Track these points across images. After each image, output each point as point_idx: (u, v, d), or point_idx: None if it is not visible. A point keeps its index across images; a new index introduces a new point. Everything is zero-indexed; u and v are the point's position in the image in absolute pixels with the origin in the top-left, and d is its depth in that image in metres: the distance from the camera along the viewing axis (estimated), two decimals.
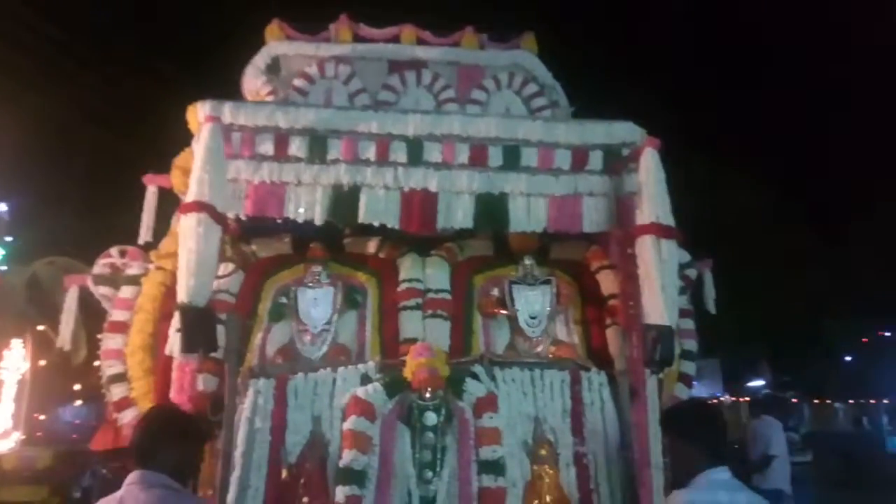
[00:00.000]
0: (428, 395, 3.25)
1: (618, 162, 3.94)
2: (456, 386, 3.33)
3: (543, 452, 3.31)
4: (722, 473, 2.48)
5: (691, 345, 4.44)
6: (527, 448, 3.34)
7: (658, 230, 3.57)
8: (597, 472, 3.35)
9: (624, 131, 3.94)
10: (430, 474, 3.17)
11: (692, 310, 4.64)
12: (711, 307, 4.81)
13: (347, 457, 3.10)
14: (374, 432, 3.21)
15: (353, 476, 3.07)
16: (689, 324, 4.49)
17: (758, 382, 21.86)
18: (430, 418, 3.20)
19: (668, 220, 3.64)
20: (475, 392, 3.33)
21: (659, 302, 3.45)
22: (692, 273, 4.71)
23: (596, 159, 3.94)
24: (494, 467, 3.17)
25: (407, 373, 3.29)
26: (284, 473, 3.15)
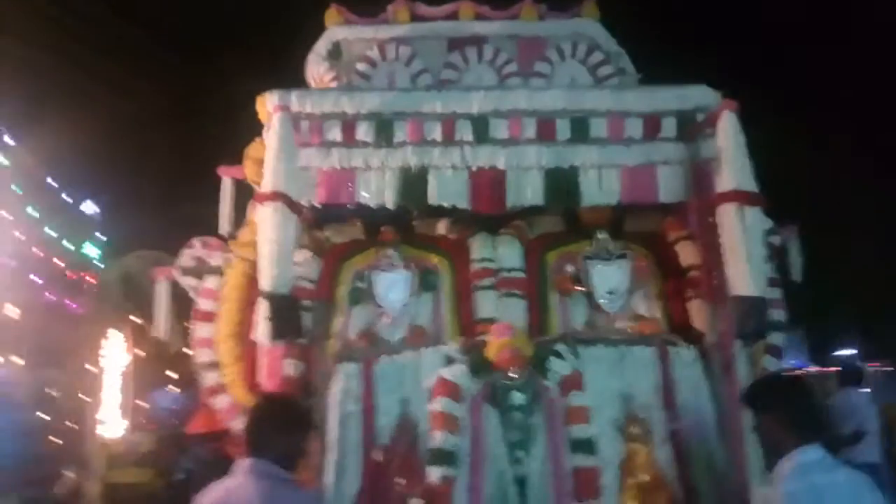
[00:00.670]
0: (513, 374, 3.24)
1: (693, 128, 3.79)
2: (540, 365, 3.31)
3: (635, 430, 3.26)
4: (814, 452, 2.30)
5: (779, 315, 4.24)
6: (618, 426, 3.30)
7: (741, 197, 3.42)
8: (692, 449, 3.26)
9: (698, 95, 3.78)
10: (521, 454, 3.18)
11: (778, 279, 4.43)
12: (798, 275, 4.58)
13: (438, 438, 3.14)
14: (461, 413, 3.23)
15: (445, 457, 3.11)
16: (775, 293, 4.28)
17: (846, 352, 20.76)
18: (517, 398, 3.20)
19: (751, 185, 3.47)
20: (560, 371, 3.31)
21: (745, 272, 3.31)
22: (776, 240, 4.48)
23: (669, 126, 3.80)
24: (586, 446, 3.15)
25: (490, 353, 3.29)
26: (379, 455, 3.22)
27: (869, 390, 6.89)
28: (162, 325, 4.76)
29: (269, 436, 2.53)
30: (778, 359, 4.37)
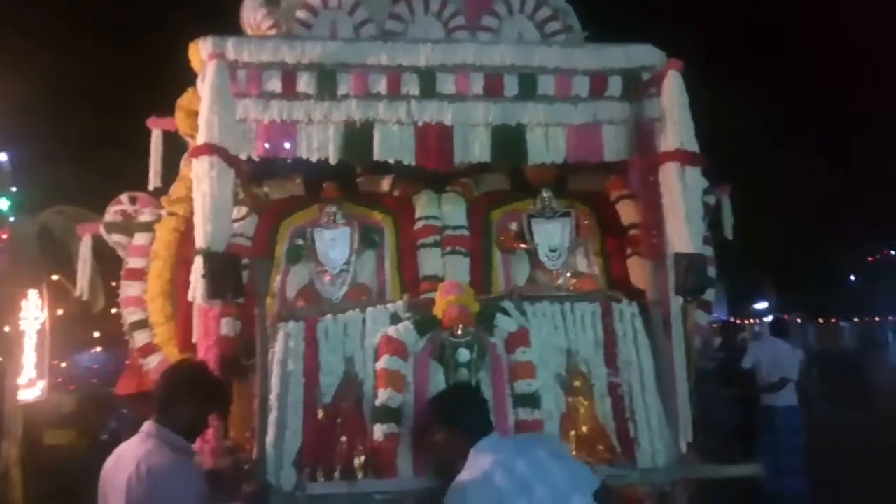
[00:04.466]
0: (459, 332, 3.23)
1: (638, 87, 3.80)
2: (487, 322, 3.31)
3: (577, 384, 3.32)
4: (488, 442, 2.54)
5: (711, 272, 4.41)
6: (560, 381, 3.35)
7: (683, 157, 3.49)
8: (632, 402, 3.36)
9: (643, 54, 3.79)
10: None
11: (711, 237, 4.59)
12: (729, 233, 4.76)
13: (383, 395, 3.11)
14: (407, 371, 3.21)
15: (390, 414, 3.09)
16: (708, 251, 4.44)
17: (762, 305, 22.10)
18: (463, 355, 3.19)
19: (693, 146, 3.54)
20: (506, 328, 3.32)
21: (684, 230, 3.40)
22: (710, 199, 4.63)
23: (615, 85, 3.80)
24: (530, 400, 3.19)
25: (437, 311, 3.27)
26: (321, 414, 3.17)
27: (784, 341, 7.41)
28: (84, 283, 4.53)
29: (174, 402, 2.63)
30: (709, 314, 4.59)
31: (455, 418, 2.66)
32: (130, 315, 4.27)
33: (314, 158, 3.68)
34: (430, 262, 4.07)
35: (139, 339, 4.24)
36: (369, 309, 3.44)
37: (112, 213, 4.40)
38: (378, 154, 3.66)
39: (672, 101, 3.55)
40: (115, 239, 4.38)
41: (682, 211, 3.45)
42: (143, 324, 4.24)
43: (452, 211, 4.19)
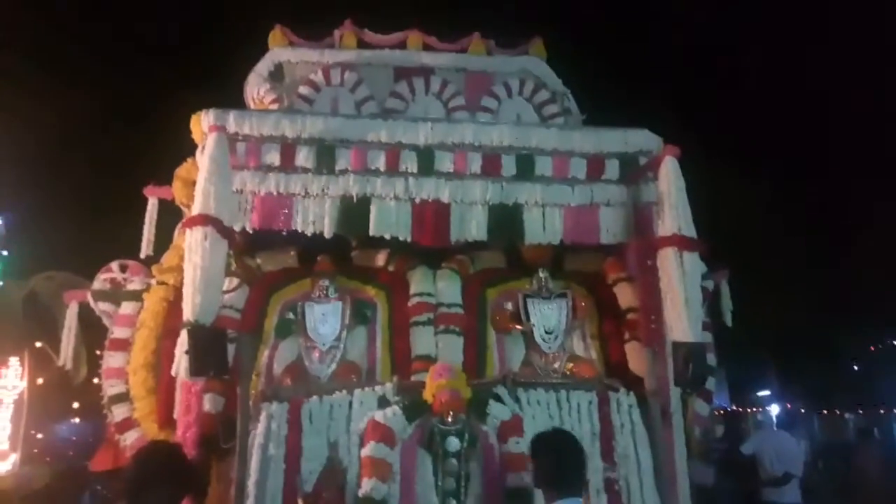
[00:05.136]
0: (450, 418, 3.08)
1: (635, 171, 3.82)
2: (478, 409, 3.17)
3: None
4: None
5: (711, 359, 4.30)
6: None
7: (681, 242, 3.45)
8: (630, 499, 3.18)
9: (640, 139, 3.83)
10: (454, 503, 3.01)
11: (710, 323, 4.50)
12: (728, 320, 4.67)
13: (367, 485, 2.93)
14: (394, 459, 3.05)
15: None
16: (708, 338, 4.34)
17: (764, 392, 21.65)
18: (453, 444, 3.04)
19: (691, 231, 3.51)
20: (499, 415, 3.17)
21: (683, 317, 3.32)
22: (709, 284, 4.57)
23: (612, 168, 3.83)
24: (522, 495, 3.00)
25: (427, 395, 3.13)
26: (301, 503, 2.97)
27: (788, 433, 7.17)
28: (68, 352, 4.40)
29: (145, 488, 2.49)
30: (709, 403, 4.42)
31: (552, 464, 2.56)
32: (111, 388, 4.14)
33: (309, 231, 3.65)
34: (422, 340, 3.95)
35: (118, 413, 4.09)
36: (357, 391, 3.31)
37: (101, 281, 4.34)
38: (374, 229, 3.63)
39: (669, 186, 3.56)
40: (101, 307, 4.30)
41: (681, 297, 3.38)
42: (123, 397, 4.09)
43: (447, 288, 4.11)
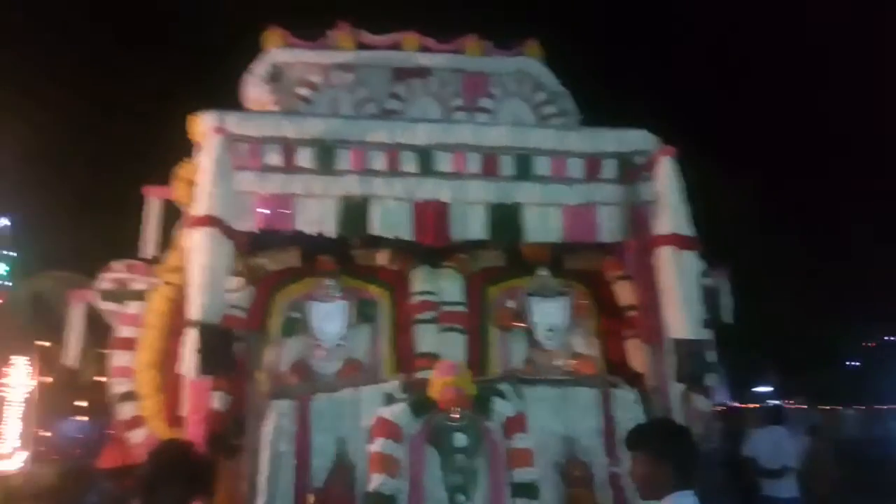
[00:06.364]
0: (456, 415, 3.14)
1: (632, 170, 3.87)
2: (483, 405, 3.22)
3: (577, 474, 3.20)
4: (686, 499, 2.29)
5: (711, 356, 4.34)
6: (559, 469, 3.23)
7: (678, 241, 3.51)
8: (632, 494, 3.23)
9: (637, 139, 3.88)
10: (462, 498, 3.07)
11: (709, 320, 4.54)
12: (728, 317, 4.70)
13: (376, 481, 2.99)
14: (401, 455, 3.10)
15: (383, 501, 2.96)
16: (707, 335, 4.38)
17: (764, 389, 21.71)
18: (460, 440, 3.09)
19: (687, 230, 3.56)
20: (504, 412, 3.23)
21: (681, 315, 3.38)
22: (708, 282, 4.61)
23: (610, 168, 3.88)
24: (528, 490, 3.06)
25: (432, 392, 3.18)
26: (312, 499, 3.03)
27: (784, 428, 7.19)
28: (73, 351, 4.44)
29: (160, 484, 2.53)
30: (710, 399, 4.46)
31: (666, 451, 2.35)
32: (118, 386, 4.17)
33: (312, 232, 3.70)
34: (425, 338, 4.01)
35: (125, 411, 4.13)
36: (364, 388, 3.36)
37: (105, 281, 4.37)
38: (375, 229, 3.69)
39: (665, 185, 3.61)
40: (106, 306, 4.33)
41: (679, 294, 3.44)
42: (130, 396, 4.13)
43: (449, 287, 4.16)
